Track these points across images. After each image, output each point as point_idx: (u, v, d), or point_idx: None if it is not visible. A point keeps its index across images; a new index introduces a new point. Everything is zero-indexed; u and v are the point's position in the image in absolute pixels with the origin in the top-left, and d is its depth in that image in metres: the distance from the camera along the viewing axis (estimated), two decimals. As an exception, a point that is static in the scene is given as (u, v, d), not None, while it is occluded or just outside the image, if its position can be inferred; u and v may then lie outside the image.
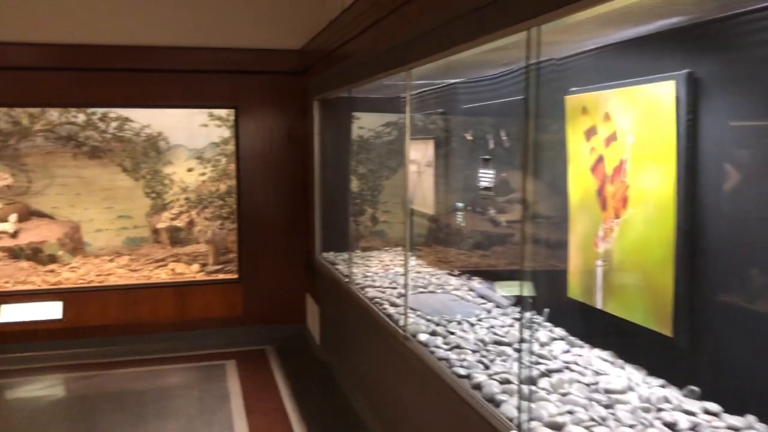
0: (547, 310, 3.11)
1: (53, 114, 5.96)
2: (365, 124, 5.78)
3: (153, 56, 5.57)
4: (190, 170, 6.40)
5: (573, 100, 2.80)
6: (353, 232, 5.82)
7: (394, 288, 4.03)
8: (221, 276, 6.43)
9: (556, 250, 3.02)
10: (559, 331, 2.96)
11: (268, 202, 6.15)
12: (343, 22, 4.16)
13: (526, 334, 2.50)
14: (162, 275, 6.31)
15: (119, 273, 6.22)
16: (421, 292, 3.96)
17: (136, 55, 5.52)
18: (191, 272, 6.40)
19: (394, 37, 3.32)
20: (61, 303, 5.74)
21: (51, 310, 5.68)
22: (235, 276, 6.35)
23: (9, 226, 6.13)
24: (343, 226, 4.95)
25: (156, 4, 5.58)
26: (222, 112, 6.25)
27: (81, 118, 5.99)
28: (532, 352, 2.54)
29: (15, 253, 6.11)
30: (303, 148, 5.93)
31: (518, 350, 2.66)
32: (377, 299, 3.82)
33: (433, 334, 3.14)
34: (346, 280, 4.38)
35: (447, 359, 2.80)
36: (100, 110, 6.01)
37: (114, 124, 6.15)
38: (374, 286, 4.10)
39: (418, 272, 4.37)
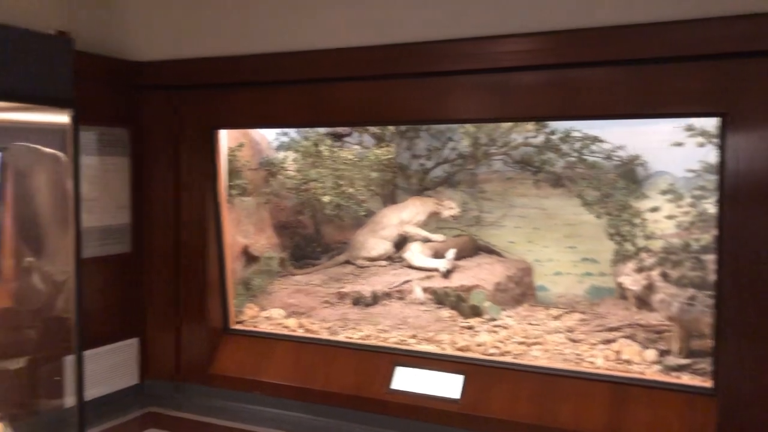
0: None
1: (513, 134, 4.88)
2: None
3: (580, 44, 3.76)
4: (653, 210, 4.44)
5: None
6: None
7: None
8: (686, 378, 4.15)
9: None
10: None
11: (776, 270, 3.59)
12: None
13: None
14: (599, 359, 4.45)
15: (549, 342, 4.65)
16: None
17: (553, 46, 3.81)
18: (643, 361, 4.36)
19: None
20: (462, 378, 4.49)
21: (449, 386, 4.48)
22: (708, 383, 3.98)
23: (443, 264, 5.19)
24: None
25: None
26: (707, 124, 4.02)
27: (540, 138, 4.68)
28: None
29: (440, 298, 5.16)
30: None
31: None
32: None
33: None
34: None
35: None
36: (561, 128, 4.61)
37: (577, 144, 4.72)
38: None
39: None
